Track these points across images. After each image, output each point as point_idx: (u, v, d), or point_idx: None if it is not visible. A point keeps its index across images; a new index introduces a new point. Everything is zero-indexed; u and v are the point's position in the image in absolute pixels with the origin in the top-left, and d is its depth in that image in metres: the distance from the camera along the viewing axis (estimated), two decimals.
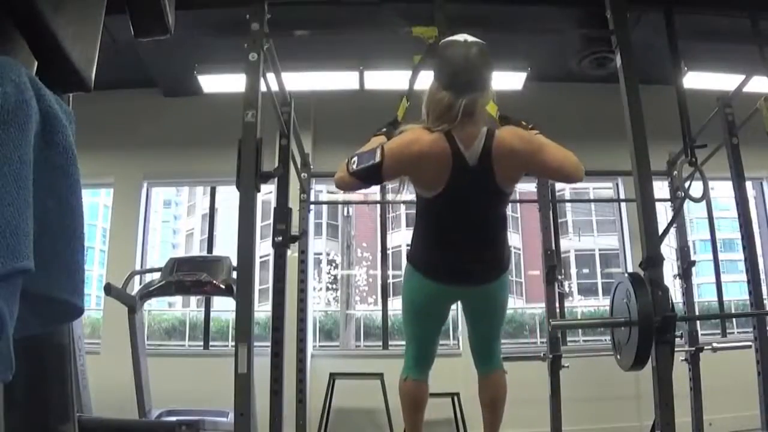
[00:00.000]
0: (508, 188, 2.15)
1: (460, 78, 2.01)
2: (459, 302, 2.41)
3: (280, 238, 3.29)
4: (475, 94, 2.01)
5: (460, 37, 2.08)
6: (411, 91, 2.54)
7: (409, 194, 2.23)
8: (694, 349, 3.97)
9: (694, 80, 4.31)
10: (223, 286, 4.08)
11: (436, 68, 2.12)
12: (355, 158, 2.07)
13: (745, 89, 3.59)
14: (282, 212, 3.32)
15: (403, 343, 2.30)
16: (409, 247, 2.31)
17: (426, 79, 2.63)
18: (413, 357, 2.30)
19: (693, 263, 4.16)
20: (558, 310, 4.28)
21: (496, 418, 2.31)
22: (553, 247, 4.23)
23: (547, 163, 2.08)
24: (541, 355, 3.99)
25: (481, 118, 2.06)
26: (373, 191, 5.53)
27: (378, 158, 2.02)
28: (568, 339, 5.70)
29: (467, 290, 2.25)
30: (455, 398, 4.54)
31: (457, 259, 2.17)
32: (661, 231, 2.60)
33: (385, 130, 2.29)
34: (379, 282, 5.81)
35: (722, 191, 5.33)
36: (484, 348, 2.33)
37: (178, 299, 10.56)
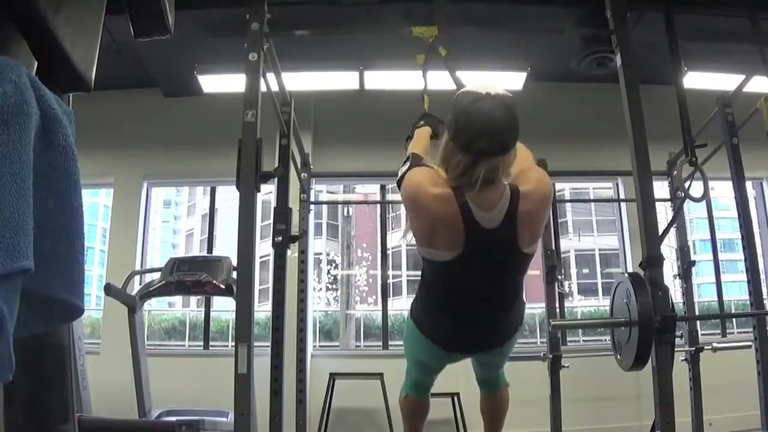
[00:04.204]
0: (533, 249, 1.87)
1: (480, 144, 1.68)
2: None
3: (280, 238, 3.29)
4: (497, 159, 1.70)
5: (482, 88, 1.75)
6: (426, 89, 2.65)
7: None
8: (694, 349, 3.97)
9: (694, 80, 4.30)
10: (223, 286, 4.08)
11: (451, 123, 1.76)
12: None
13: (745, 89, 3.59)
14: (282, 212, 3.32)
15: (403, 342, 2.29)
16: (413, 302, 2.11)
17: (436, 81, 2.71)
18: (414, 383, 2.27)
19: (693, 263, 4.16)
20: (558, 310, 4.27)
21: (498, 427, 2.31)
22: (553, 247, 4.23)
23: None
24: (541, 355, 3.99)
25: (503, 178, 1.77)
26: (373, 191, 5.52)
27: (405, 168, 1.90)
28: (568, 339, 5.70)
29: (475, 354, 2.16)
30: (455, 398, 4.54)
31: (468, 332, 1.97)
32: (661, 231, 2.60)
33: (423, 123, 2.22)
34: (379, 282, 5.81)
35: (722, 191, 5.34)
36: (490, 377, 2.30)
37: (178, 299, 10.57)
